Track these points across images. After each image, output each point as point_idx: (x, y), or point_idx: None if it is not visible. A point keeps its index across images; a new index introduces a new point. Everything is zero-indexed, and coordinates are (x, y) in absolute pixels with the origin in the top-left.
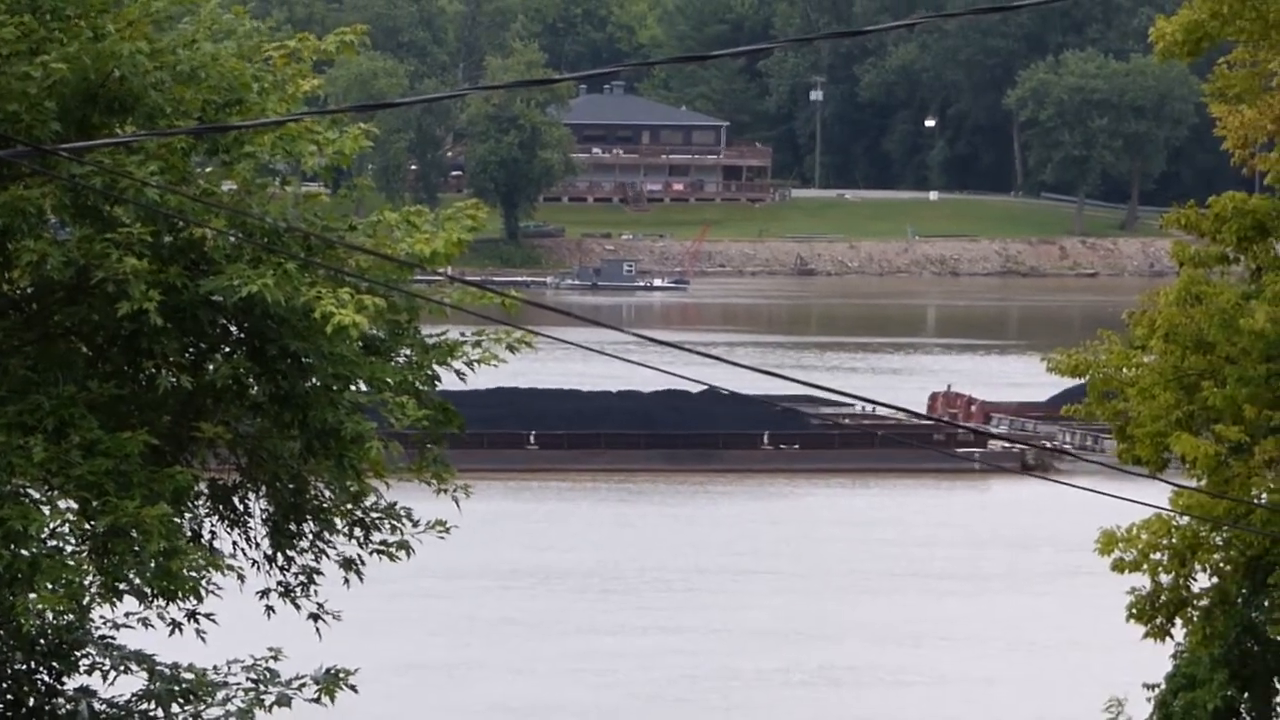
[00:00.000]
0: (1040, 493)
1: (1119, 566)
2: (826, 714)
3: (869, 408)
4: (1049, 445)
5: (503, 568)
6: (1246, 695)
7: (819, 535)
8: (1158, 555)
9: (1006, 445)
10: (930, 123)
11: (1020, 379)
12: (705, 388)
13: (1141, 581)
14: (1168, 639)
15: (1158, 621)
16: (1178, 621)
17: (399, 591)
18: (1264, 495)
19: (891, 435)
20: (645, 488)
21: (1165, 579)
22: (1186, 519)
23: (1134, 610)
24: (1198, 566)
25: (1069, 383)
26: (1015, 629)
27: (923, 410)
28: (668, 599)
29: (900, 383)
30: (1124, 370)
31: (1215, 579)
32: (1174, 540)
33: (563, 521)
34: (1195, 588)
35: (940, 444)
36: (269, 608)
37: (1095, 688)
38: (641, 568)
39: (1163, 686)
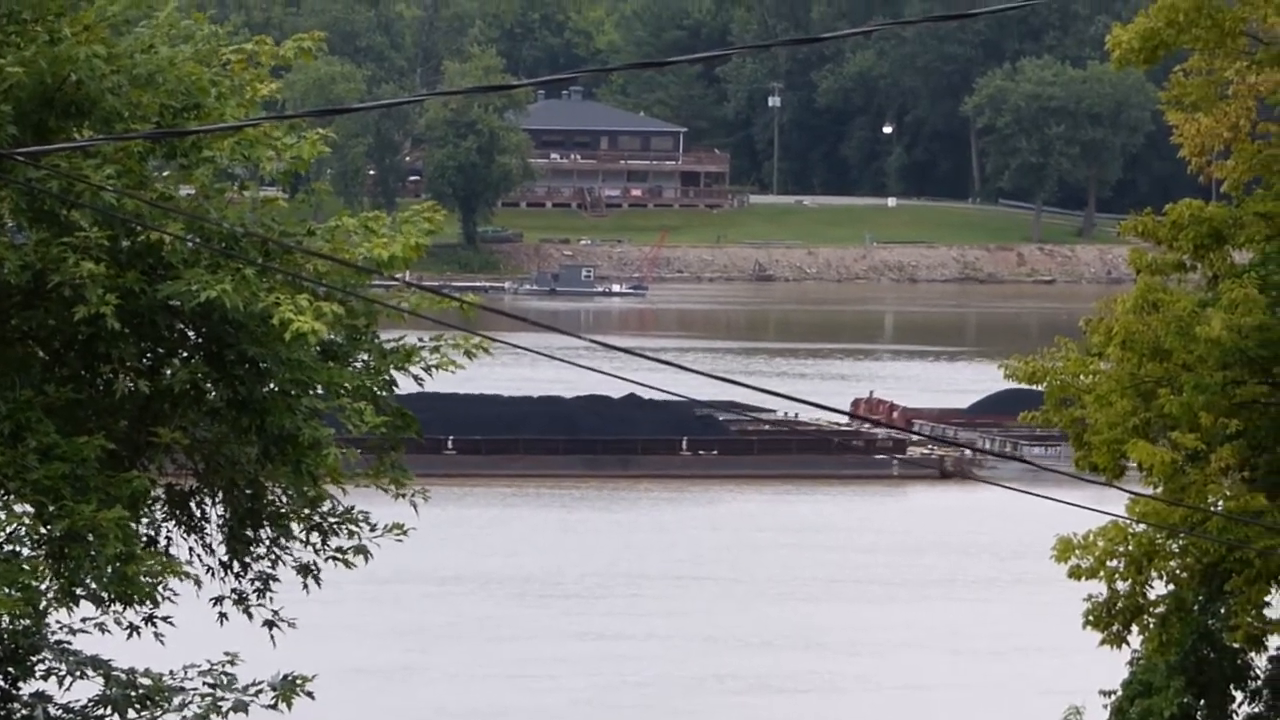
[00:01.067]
0: (972, 499)
1: (1075, 573)
2: None
3: (792, 413)
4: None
5: (444, 573)
6: (1202, 702)
7: (759, 541)
8: (1114, 562)
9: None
10: (888, 129)
11: (967, 385)
12: (627, 393)
13: (1097, 589)
14: (1124, 646)
15: (1114, 628)
16: (1134, 628)
17: (340, 596)
18: (1220, 503)
19: (810, 440)
20: (589, 494)
21: (1122, 586)
22: (1143, 526)
23: (1090, 617)
24: (1154, 574)
25: (994, 388)
26: (958, 635)
27: (846, 416)
28: (609, 605)
29: (846, 388)
30: (1081, 377)
31: (1172, 586)
32: (1130, 547)
33: (504, 526)
34: (1152, 595)
35: (859, 450)
36: (222, 614)
37: (1039, 694)
38: (582, 573)
39: (1119, 693)
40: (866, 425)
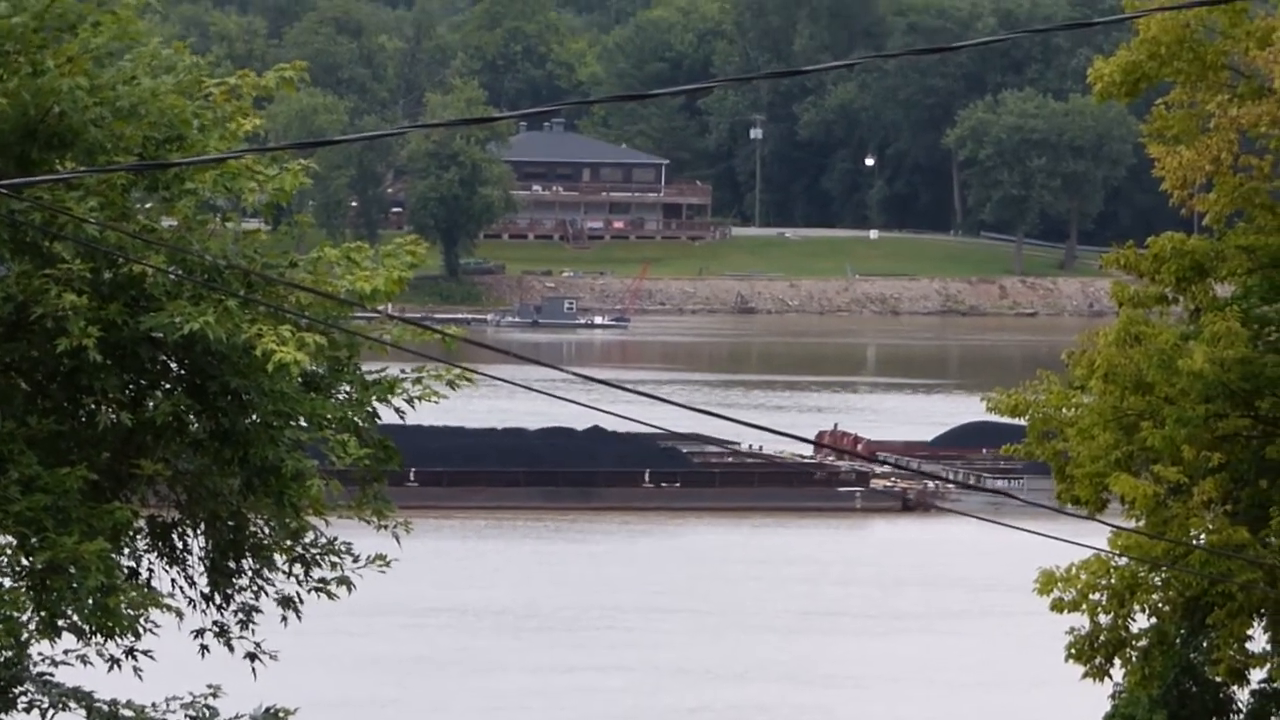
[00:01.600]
0: (935, 531)
1: (1058, 606)
2: None
3: (756, 445)
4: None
5: (420, 605)
6: None
7: (730, 573)
8: (1097, 595)
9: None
10: (870, 161)
11: (943, 417)
12: (591, 425)
13: (1079, 621)
14: (1106, 679)
15: (1097, 661)
16: (1116, 662)
17: (314, 628)
18: (1202, 536)
19: (773, 472)
20: (562, 526)
21: (1104, 619)
22: (1125, 559)
23: (1073, 650)
24: (1136, 607)
25: (958, 420)
26: (932, 668)
27: (809, 449)
28: (583, 637)
29: (822, 420)
30: (1063, 410)
31: (1154, 619)
32: (1113, 581)
33: (479, 558)
34: (1134, 628)
35: (822, 482)
36: (204, 647)
37: None
38: (556, 606)
39: None
40: (831, 457)
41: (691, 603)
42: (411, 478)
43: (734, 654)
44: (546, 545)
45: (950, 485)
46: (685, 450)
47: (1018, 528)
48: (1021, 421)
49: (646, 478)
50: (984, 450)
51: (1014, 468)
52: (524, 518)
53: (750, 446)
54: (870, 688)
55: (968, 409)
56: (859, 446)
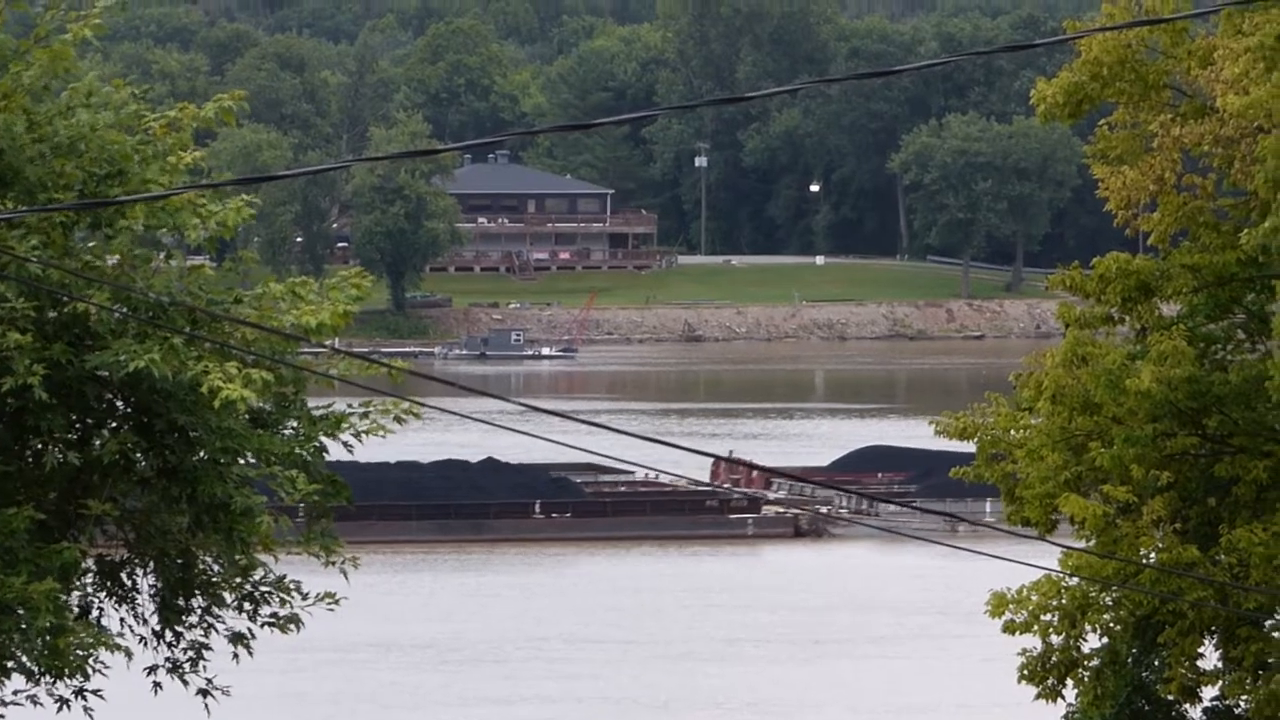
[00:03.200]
0: (829, 557)
1: (1010, 628)
2: None
3: (651, 474)
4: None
5: (341, 640)
6: None
7: (659, 603)
8: (1048, 616)
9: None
10: (815, 188)
11: (874, 441)
12: (485, 457)
13: (1031, 643)
14: (1059, 700)
15: (1049, 682)
16: (1069, 682)
17: (235, 666)
18: (1152, 555)
19: (664, 501)
20: (489, 558)
21: (1056, 640)
22: (1076, 580)
23: (1025, 671)
24: (1088, 627)
25: (855, 445)
26: (865, 693)
27: (705, 476)
28: (509, 669)
29: (759, 448)
30: (1012, 432)
31: (1105, 639)
32: (1064, 601)
33: (401, 592)
34: (1086, 648)
35: (714, 510)
36: (156, 684)
37: None
38: (482, 638)
39: None
40: (726, 486)
41: (620, 633)
42: (300, 514)
43: (663, 683)
44: (446, 578)
45: (884, 508)
46: (579, 480)
47: (979, 551)
48: (921, 446)
49: (537, 509)
50: (879, 474)
51: (906, 491)
52: (418, 551)
53: (646, 475)
54: (793, 715)
55: (915, 431)
56: (753, 474)
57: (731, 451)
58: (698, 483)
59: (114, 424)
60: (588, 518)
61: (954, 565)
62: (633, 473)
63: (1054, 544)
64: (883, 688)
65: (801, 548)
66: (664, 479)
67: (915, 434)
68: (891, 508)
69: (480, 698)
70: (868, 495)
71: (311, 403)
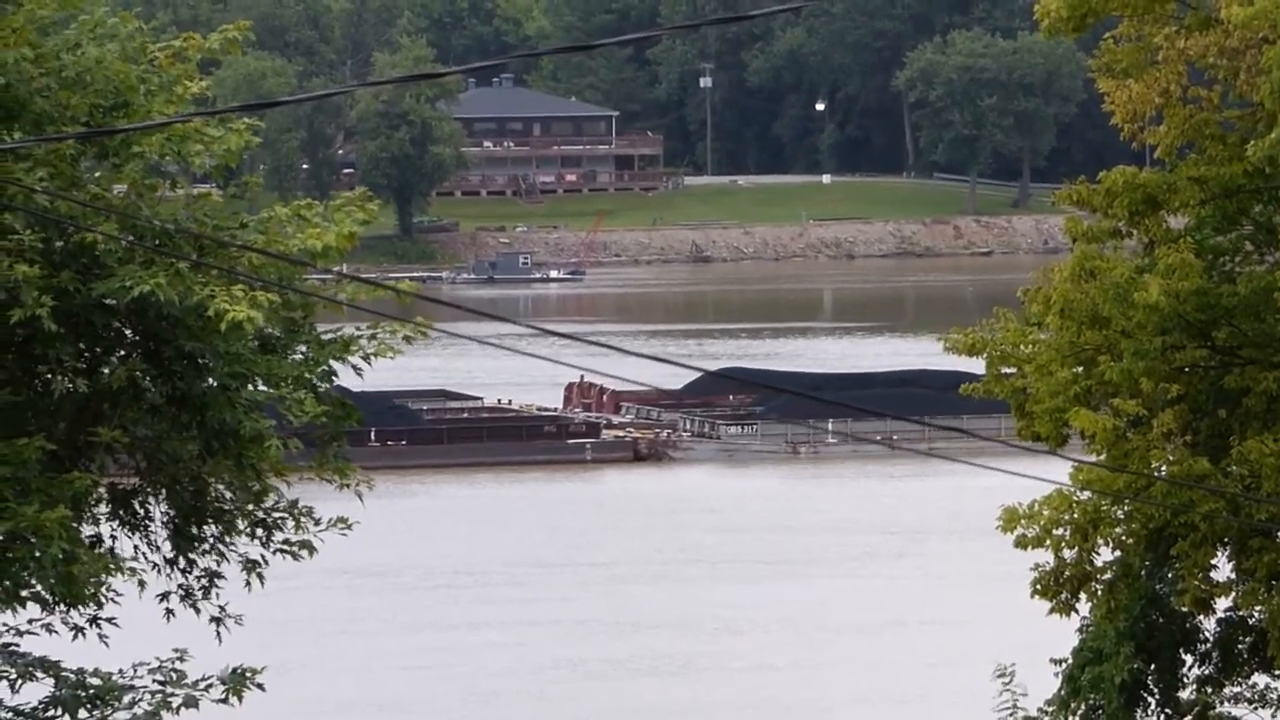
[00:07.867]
0: (672, 480)
1: (1022, 543)
2: (664, 701)
3: (504, 400)
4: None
5: (300, 566)
6: (1153, 667)
7: (622, 524)
8: (1060, 531)
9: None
10: (820, 106)
11: (873, 359)
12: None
13: (1044, 557)
14: (1073, 613)
15: (1063, 596)
16: (1082, 596)
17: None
18: (1163, 468)
19: (501, 427)
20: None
21: (1068, 554)
22: (1088, 494)
23: (1039, 586)
24: (1100, 540)
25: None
26: (828, 612)
27: (559, 401)
28: (477, 594)
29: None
30: (1021, 347)
31: (1118, 553)
32: (1076, 515)
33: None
34: (1099, 562)
35: (552, 435)
36: (169, 611)
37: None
38: (451, 564)
39: (1069, 660)
40: (578, 410)
41: (581, 555)
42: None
43: (635, 604)
44: (434, 500)
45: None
46: (423, 408)
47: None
48: (777, 368)
49: (372, 436)
50: (730, 397)
51: (749, 415)
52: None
53: (500, 401)
54: (755, 633)
55: (911, 349)
56: (605, 397)
57: (583, 376)
58: (544, 409)
59: (122, 352)
60: (423, 444)
61: (800, 486)
62: (480, 399)
63: (1065, 458)
64: (849, 604)
65: (640, 471)
66: (515, 406)
67: (927, 351)
68: (733, 430)
69: (456, 622)
70: (711, 418)
71: (320, 328)
